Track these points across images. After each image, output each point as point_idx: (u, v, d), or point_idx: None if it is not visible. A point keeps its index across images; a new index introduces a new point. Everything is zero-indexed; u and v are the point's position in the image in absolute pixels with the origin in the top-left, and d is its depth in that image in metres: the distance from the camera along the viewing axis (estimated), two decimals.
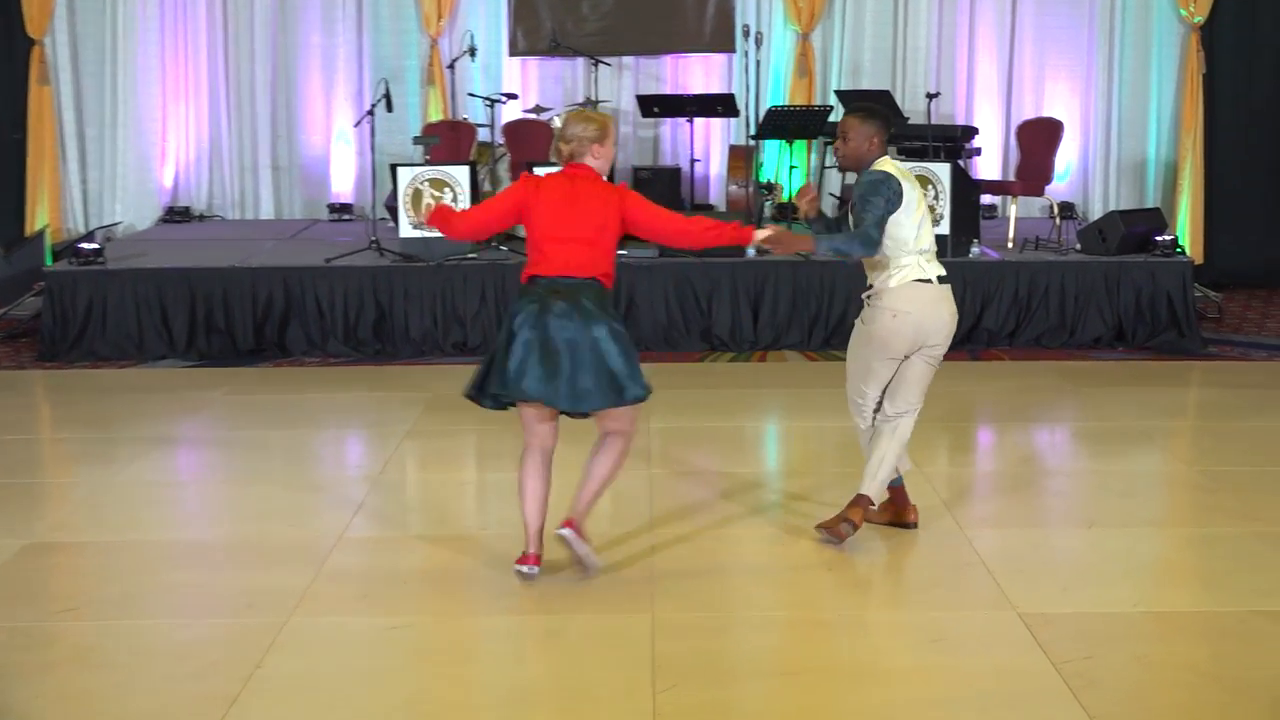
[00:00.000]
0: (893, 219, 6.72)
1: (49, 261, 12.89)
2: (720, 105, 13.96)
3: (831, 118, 13.37)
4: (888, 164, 6.86)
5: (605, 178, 6.54)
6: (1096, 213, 14.30)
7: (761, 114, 13.37)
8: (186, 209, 15.25)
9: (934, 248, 6.91)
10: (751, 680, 5.55)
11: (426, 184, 11.87)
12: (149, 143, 15.22)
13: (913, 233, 6.78)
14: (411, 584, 6.58)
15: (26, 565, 6.85)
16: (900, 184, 6.76)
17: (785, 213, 13.35)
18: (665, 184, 14.29)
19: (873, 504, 7.00)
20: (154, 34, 15.12)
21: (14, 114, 14.89)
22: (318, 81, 15.36)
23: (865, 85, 14.79)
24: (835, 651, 5.86)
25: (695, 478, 8.20)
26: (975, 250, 12.03)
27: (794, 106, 13.85)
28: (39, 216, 14.67)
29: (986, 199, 14.22)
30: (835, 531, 6.92)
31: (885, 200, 6.69)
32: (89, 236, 13.28)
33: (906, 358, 6.90)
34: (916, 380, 6.96)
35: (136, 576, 6.71)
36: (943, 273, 6.90)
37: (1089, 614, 6.09)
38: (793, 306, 11.83)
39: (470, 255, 11.86)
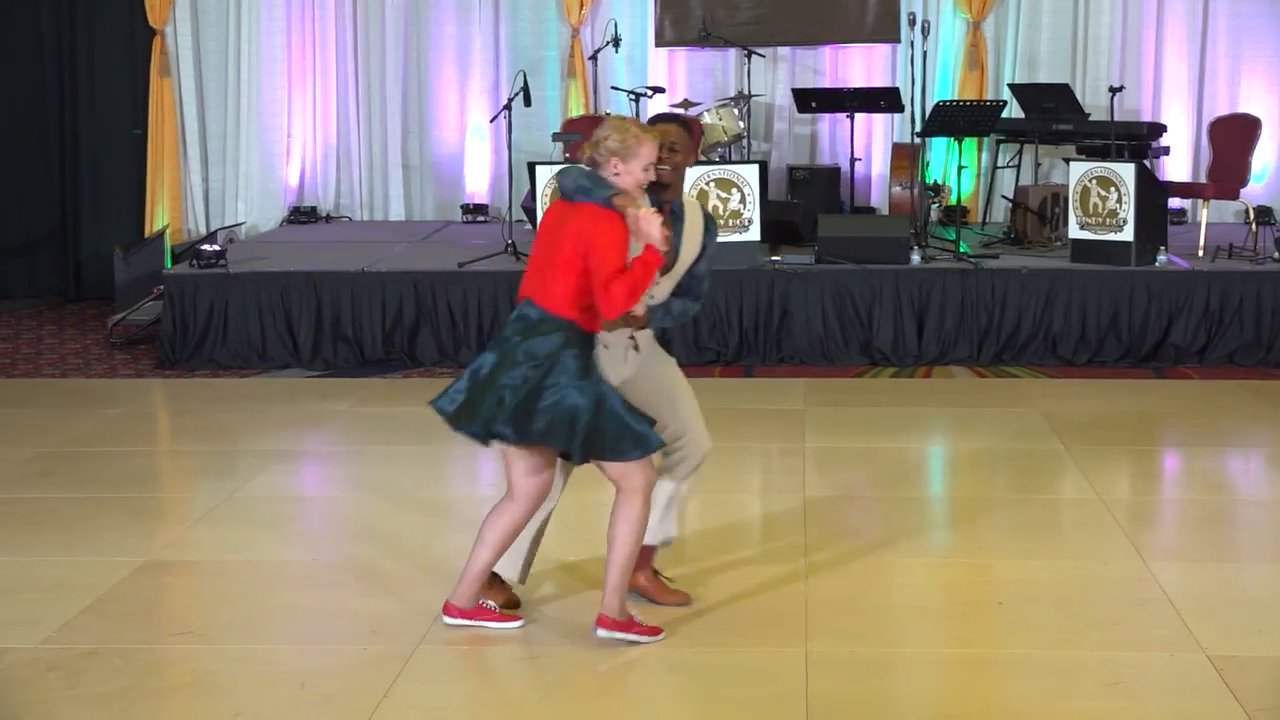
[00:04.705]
0: None
1: (169, 264, 13.18)
2: (883, 100, 13.90)
3: (1005, 113, 13.26)
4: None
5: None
6: None
7: (928, 109, 13.29)
8: (313, 209, 15.43)
9: None
10: None
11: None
12: (274, 139, 15.43)
13: None
14: (550, 610, 6.60)
15: (141, 585, 6.96)
16: None
17: (952, 216, 13.26)
18: (823, 185, 14.24)
19: None
20: (279, 23, 15.32)
21: (134, 108, 15.24)
22: (452, 75, 15.49)
23: (1042, 78, 14.65)
24: (1004, 693, 5.81)
25: (853, 502, 8.16)
26: (1162, 259, 11.89)
27: (964, 101, 13.76)
28: (159, 217, 14.96)
29: (1175, 203, 14.02)
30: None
31: None
32: (210, 238, 13.49)
33: None
34: None
35: (256, 598, 6.81)
36: None
37: None
38: (960, 317, 11.74)
39: None
